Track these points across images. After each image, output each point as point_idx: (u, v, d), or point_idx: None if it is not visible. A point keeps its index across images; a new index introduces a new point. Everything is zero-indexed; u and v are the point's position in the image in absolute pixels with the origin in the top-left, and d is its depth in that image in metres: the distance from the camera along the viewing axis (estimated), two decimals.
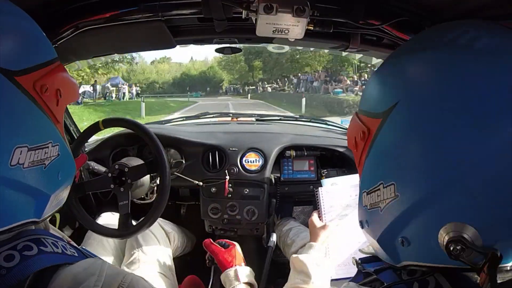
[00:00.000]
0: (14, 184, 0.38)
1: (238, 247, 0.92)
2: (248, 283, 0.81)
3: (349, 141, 0.46)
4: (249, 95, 24.77)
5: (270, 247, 1.02)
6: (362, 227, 0.45)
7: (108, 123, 0.95)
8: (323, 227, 0.86)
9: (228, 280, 0.82)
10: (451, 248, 0.31)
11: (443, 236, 0.32)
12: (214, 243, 0.92)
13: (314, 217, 0.90)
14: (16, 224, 0.40)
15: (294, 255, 0.81)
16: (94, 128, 0.96)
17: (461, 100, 0.32)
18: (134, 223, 0.93)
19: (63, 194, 0.49)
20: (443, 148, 0.32)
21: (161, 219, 1.14)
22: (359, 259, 0.48)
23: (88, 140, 1.24)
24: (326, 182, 0.96)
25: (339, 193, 0.92)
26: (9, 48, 0.38)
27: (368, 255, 0.49)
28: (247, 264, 0.89)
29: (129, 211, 0.92)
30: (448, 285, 0.35)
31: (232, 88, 31.15)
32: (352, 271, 0.51)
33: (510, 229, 0.30)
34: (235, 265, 0.85)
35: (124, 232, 0.90)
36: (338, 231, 0.88)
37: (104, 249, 0.99)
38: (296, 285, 0.74)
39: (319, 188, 0.93)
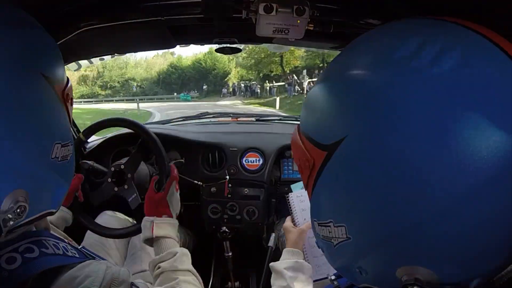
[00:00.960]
0: (51, 175, 0.43)
1: (176, 194, 0.85)
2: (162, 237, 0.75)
3: (294, 159, 0.42)
4: (277, 98, 16.16)
5: (270, 247, 1.02)
6: (319, 247, 0.43)
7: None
8: (297, 231, 0.86)
9: (143, 229, 0.78)
10: None
11: (400, 276, 0.31)
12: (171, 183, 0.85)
13: (288, 222, 0.91)
14: (41, 214, 0.43)
15: (271, 263, 0.81)
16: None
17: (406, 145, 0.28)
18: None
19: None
20: (390, 196, 0.29)
21: None
22: (333, 274, 0.50)
23: (88, 140, 1.24)
24: (296, 186, 0.98)
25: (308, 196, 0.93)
26: (50, 61, 0.47)
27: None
28: (247, 264, 0.88)
29: (140, 201, 0.92)
30: None
31: (243, 85, 21.14)
32: (332, 270, 0.50)
33: (462, 267, 0.30)
34: (154, 216, 0.79)
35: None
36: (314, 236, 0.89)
37: (104, 249, 0.99)
38: None
39: (289, 193, 0.94)
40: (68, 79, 0.52)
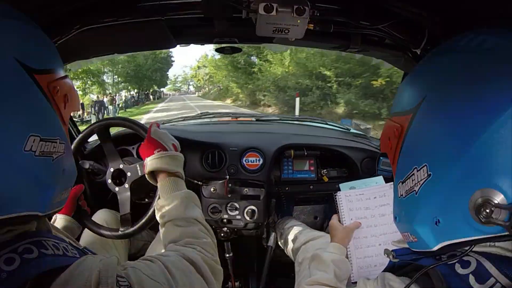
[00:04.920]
0: (25, 170, 0.40)
1: (159, 130, 0.79)
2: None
3: (382, 144, 0.51)
4: None
5: (270, 246, 1.02)
6: (397, 221, 0.49)
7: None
8: (344, 228, 0.86)
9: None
10: (481, 212, 0.34)
11: (473, 204, 0.35)
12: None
13: (334, 219, 0.91)
14: (20, 214, 0.40)
15: (315, 251, 0.79)
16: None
17: (474, 91, 0.38)
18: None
19: (65, 194, 0.50)
20: (465, 126, 0.37)
21: None
22: (392, 250, 0.50)
23: (88, 140, 1.24)
24: (344, 186, 0.98)
25: (358, 197, 0.94)
26: (32, 49, 0.44)
27: (400, 249, 0.50)
28: (247, 264, 0.89)
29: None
30: (490, 264, 0.37)
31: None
32: (374, 273, 0.51)
33: None
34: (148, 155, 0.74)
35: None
36: (359, 232, 0.89)
37: (103, 246, 0.99)
38: (317, 280, 0.74)
39: (338, 192, 0.94)
40: (65, 76, 0.50)
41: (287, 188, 1.25)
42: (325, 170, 1.23)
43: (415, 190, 0.43)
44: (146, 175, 0.75)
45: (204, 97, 30.93)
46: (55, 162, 0.45)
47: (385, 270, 0.49)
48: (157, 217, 0.69)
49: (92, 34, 0.75)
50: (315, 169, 1.24)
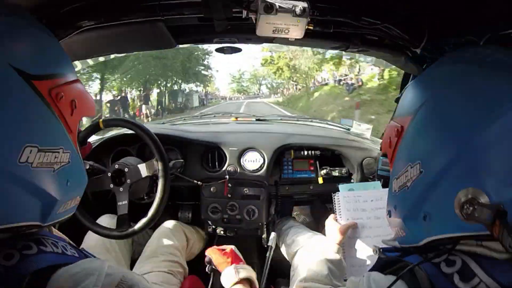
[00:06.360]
0: (21, 182, 0.39)
1: (235, 249, 0.90)
2: (247, 279, 0.80)
3: (384, 144, 0.54)
4: None
5: (270, 246, 1.02)
6: (390, 216, 0.52)
7: (108, 122, 0.95)
8: (339, 227, 0.88)
9: (227, 278, 0.80)
10: (465, 210, 0.36)
11: (458, 201, 0.37)
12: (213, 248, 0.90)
13: (331, 219, 0.94)
14: (18, 225, 0.39)
15: (309, 251, 0.81)
16: (94, 127, 0.96)
17: (468, 99, 0.41)
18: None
19: (72, 203, 0.49)
20: (458, 130, 0.39)
21: (181, 222, 1.17)
22: (381, 248, 0.52)
23: (89, 140, 1.24)
24: (343, 187, 1.01)
25: (356, 198, 0.97)
26: (30, 54, 0.42)
27: (389, 247, 0.52)
28: (247, 264, 0.89)
29: (127, 211, 0.91)
30: (475, 264, 0.38)
31: None
32: (366, 271, 0.52)
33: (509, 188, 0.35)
34: (233, 263, 0.84)
35: (122, 233, 0.90)
36: (354, 232, 0.92)
37: (106, 250, 0.99)
38: (311, 277, 0.75)
39: (337, 192, 0.97)
40: (73, 80, 0.47)
41: (287, 188, 1.25)
42: (325, 170, 1.23)
43: (407, 186, 0.46)
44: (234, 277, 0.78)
45: (286, 105, 15.69)
46: (57, 173, 0.43)
47: (373, 268, 0.50)
48: None
49: (92, 34, 0.75)
50: (315, 169, 1.24)
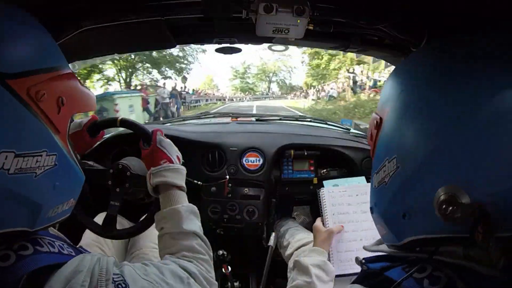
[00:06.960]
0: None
1: (165, 139, 0.81)
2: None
3: (368, 137, 0.51)
4: None
5: (270, 246, 1.02)
6: (372, 213, 0.49)
7: (124, 123, 0.93)
8: (326, 231, 0.89)
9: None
10: (444, 209, 0.34)
11: (437, 199, 0.35)
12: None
13: (318, 222, 0.94)
14: (5, 231, 0.39)
15: (296, 258, 0.82)
16: (111, 123, 0.94)
17: (446, 87, 0.38)
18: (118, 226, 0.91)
19: (64, 207, 0.48)
20: (434, 124, 0.37)
21: None
22: (363, 259, 0.49)
23: None
24: (327, 183, 1.01)
25: (341, 193, 0.97)
26: (3, 52, 0.38)
27: (372, 256, 0.49)
28: (247, 264, 0.89)
29: (116, 213, 0.91)
30: (460, 282, 0.35)
31: None
32: (354, 267, 0.52)
33: (492, 187, 0.33)
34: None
35: (106, 232, 0.89)
36: (341, 232, 0.92)
37: (101, 249, 0.99)
38: (298, 285, 0.75)
39: (321, 188, 0.96)
40: (58, 73, 0.43)
41: (287, 188, 1.25)
42: (325, 170, 1.23)
43: (385, 181, 0.43)
44: (148, 185, 0.74)
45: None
46: (40, 178, 0.40)
47: (357, 279, 0.48)
48: (156, 228, 0.69)
49: (92, 34, 0.75)
50: (315, 169, 1.24)
